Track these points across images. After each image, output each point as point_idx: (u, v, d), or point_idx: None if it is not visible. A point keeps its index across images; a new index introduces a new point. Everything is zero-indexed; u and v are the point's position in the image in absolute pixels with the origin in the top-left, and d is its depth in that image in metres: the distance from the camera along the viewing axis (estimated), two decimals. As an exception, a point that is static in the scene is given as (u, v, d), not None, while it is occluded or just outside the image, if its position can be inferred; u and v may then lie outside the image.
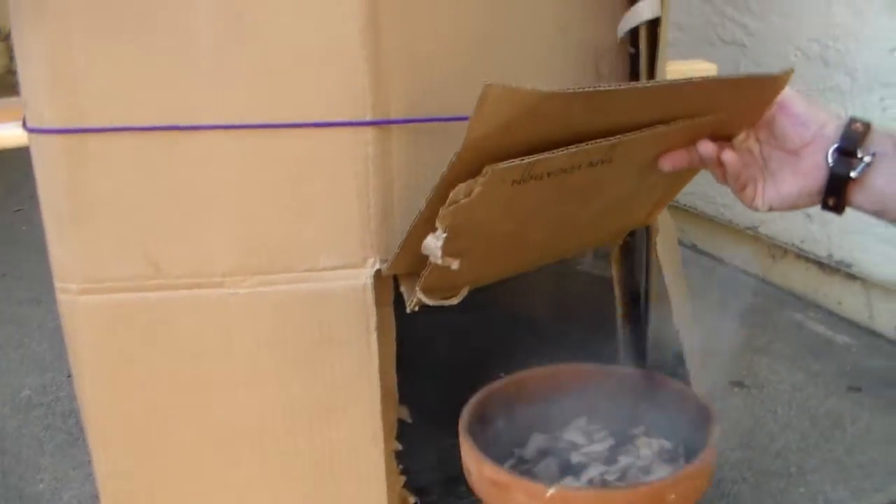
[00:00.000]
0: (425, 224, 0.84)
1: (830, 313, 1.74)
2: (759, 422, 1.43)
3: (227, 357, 1.01)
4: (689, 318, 1.31)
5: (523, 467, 1.04)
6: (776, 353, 1.62)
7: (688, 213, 2.05)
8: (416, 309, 0.95)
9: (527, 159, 0.78)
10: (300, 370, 1.02)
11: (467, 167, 0.78)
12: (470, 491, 1.01)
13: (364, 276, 0.98)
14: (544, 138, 0.79)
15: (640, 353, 1.27)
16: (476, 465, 0.91)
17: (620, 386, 1.08)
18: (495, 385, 1.06)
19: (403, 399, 1.09)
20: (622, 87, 0.91)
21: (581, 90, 0.76)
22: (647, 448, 1.02)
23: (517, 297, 1.47)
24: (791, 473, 1.30)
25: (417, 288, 0.92)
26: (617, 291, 1.27)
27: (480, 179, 0.77)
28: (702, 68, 1.35)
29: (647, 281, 1.26)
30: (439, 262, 0.83)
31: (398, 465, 1.09)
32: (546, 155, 0.78)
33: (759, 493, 1.26)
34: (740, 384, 1.51)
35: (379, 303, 0.99)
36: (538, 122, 0.77)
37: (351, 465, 1.07)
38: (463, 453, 0.94)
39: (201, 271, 0.98)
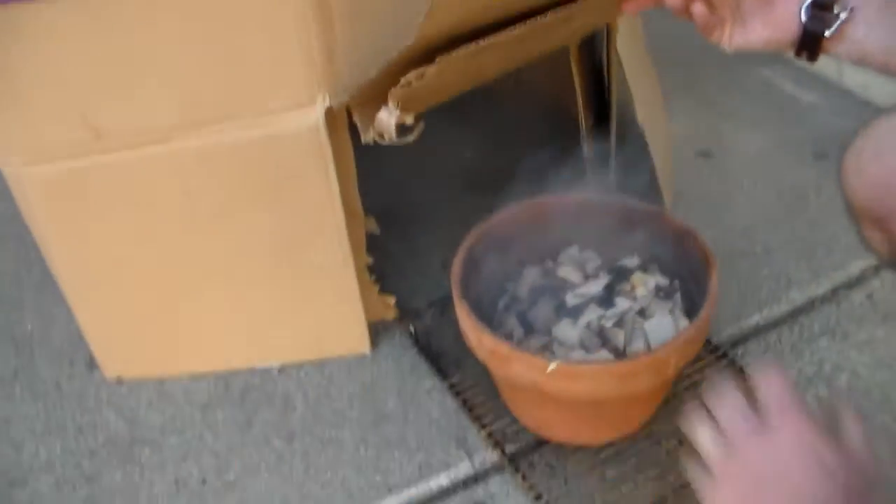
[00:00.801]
0: (381, 77, 0.87)
1: (799, 70, 1.69)
2: (726, 196, 1.43)
3: (187, 206, 1.01)
4: (660, 116, 1.27)
5: (518, 308, 1.03)
6: (743, 117, 1.60)
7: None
8: (372, 142, 0.94)
9: (478, 44, 0.84)
10: (262, 209, 1.02)
11: (416, 54, 0.83)
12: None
13: (315, 115, 0.95)
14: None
15: (604, 156, 1.24)
16: (474, 334, 0.91)
17: (612, 216, 1.05)
18: (484, 223, 1.03)
19: (373, 209, 1.11)
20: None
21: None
22: (643, 286, 1.01)
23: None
24: (756, 253, 1.33)
25: (371, 128, 0.91)
26: (578, 90, 1.21)
27: (432, 68, 0.83)
28: None
29: (608, 79, 1.21)
30: (393, 137, 0.88)
31: (371, 277, 1.13)
32: (492, 39, 0.85)
33: (727, 276, 1.28)
34: (706, 154, 1.50)
35: (333, 133, 0.97)
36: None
37: (324, 286, 1.10)
38: (460, 319, 0.93)
39: (145, 130, 0.95)
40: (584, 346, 0.96)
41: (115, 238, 1.04)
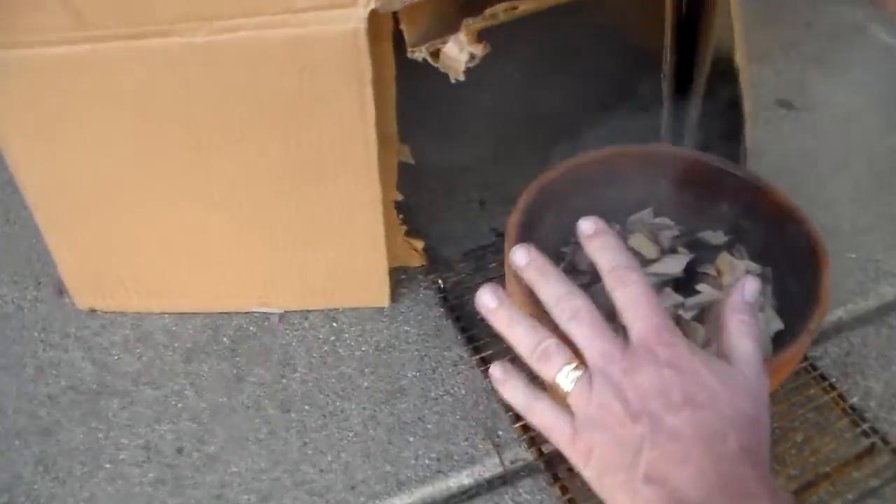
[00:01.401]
0: None
1: (893, 16, 1.48)
2: (808, 159, 1.24)
3: (187, 118, 0.83)
4: (746, 56, 1.07)
5: (578, 281, 0.84)
6: (831, 65, 1.39)
7: None
8: (420, 59, 0.80)
9: None
10: (279, 129, 0.84)
11: None
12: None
13: (355, 18, 0.76)
14: None
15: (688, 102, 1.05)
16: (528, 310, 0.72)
17: (695, 178, 0.87)
18: (543, 177, 0.84)
19: (407, 135, 0.93)
20: None
21: None
22: (730, 272, 0.83)
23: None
24: (842, 233, 1.15)
25: (424, 48, 0.78)
26: (668, 16, 1.01)
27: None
28: None
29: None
30: (461, 77, 0.75)
31: (399, 216, 0.97)
32: None
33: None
34: (788, 104, 1.30)
35: (374, 41, 0.79)
36: None
37: (343, 223, 0.92)
38: (511, 287, 0.75)
39: (139, 19, 0.76)
40: (655, 342, 0.78)
41: (96, 147, 0.85)
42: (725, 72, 1.00)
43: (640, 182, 0.89)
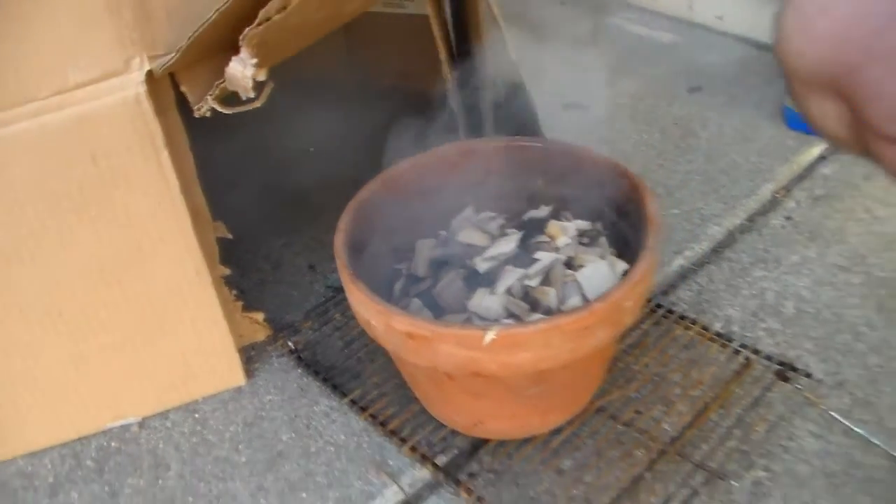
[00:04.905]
0: (213, 28, 0.71)
1: (645, 12, 1.59)
2: (609, 143, 1.30)
3: None
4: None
5: (418, 288, 0.85)
6: (606, 66, 1.47)
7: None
8: (207, 115, 0.77)
9: None
10: (84, 219, 0.81)
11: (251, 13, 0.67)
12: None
13: (133, 83, 0.76)
14: None
15: (472, 96, 1.08)
16: (381, 319, 0.72)
17: (503, 161, 0.88)
18: (356, 200, 0.84)
19: (220, 214, 0.92)
20: None
21: None
22: (563, 234, 0.84)
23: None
24: (659, 195, 1.19)
25: (209, 96, 0.75)
26: (435, 29, 1.05)
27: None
28: None
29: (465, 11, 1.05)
30: (250, 92, 0.73)
31: (232, 292, 0.94)
32: None
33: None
34: (577, 106, 1.36)
35: (160, 110, 0.78)
36: None
37: (178, 308, 0.89)
38: (357, 306, 0.74)
39: None
40: (511, 315, 0.78)
41: None
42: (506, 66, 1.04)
43: (452, 182, 0.90)
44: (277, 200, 1.21)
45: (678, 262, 1.07)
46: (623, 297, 0.70)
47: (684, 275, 1.06)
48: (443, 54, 1.06)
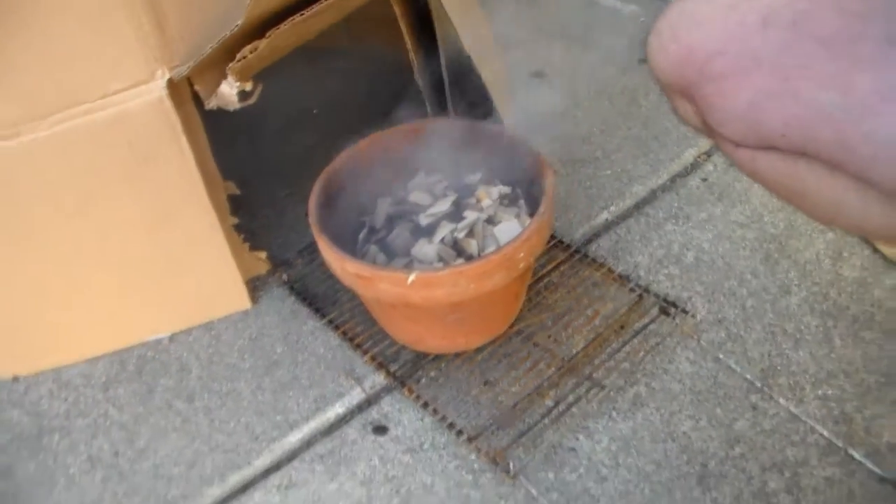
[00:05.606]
0: (218, 46, 0.96)
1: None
2: (563, 110, 1.53)
3: (49, 196, 1.06)
4: (489, 44, 1.35)
5: (376, 237, 1.11)
6: (571, 36, 1.70)
7: None
8: (215, 108, 1.03)
9: (303, 15, 0.97)
10: (124, 189, 1.08)
11: (248, 28, 0.93)
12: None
13: (157, 89, 1.02)
14: None
15: (436, 81, 1.32)
16: (338, 263, 0.98)
17: (452, 139, 1.13)
18: (332, 164, 1.10)
19: (234, 171, 1.17)
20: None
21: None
22: (488, 197, 1.10)
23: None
24: (597, 157, 1.44)
25: (213, 97, 1.02)
26: (404, 32, 1.29)
27: (264, 41, 0.94)
28: None
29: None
30: (237, 105, 1.00)
31: (241, 236, 1.20)
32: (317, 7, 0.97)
33: (572, 181, 1.40)
34: (540, 74, 1.59)
35: (179, 105, 1.03)
36: None
37: (198, 252, 1.16)
38: (322, 252, 1.00)
39: None
40: (442, 260, 1.04)
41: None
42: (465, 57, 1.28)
43: (411, 152, 1.16)
44: (284, 156, 1.48)
45: (603, 216, 1.32)
46: (514, 251, 0.96)
47: (608, 227, 1.31)
48: (409, 44, 1.30)
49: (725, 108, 0.45)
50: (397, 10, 1.23)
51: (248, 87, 0.99)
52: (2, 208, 1.06)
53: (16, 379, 1.20)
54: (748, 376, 1.06)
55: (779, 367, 1.06)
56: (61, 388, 1.18)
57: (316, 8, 0.96)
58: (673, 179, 1.38)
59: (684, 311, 1.13)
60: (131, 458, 1.08)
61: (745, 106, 0.43)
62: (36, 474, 1.08)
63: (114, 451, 1.09)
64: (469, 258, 1.04)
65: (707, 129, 0.48)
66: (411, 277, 0.93)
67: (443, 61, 1.28)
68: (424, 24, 1.29)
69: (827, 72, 0.40)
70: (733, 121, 0.45)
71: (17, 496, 1.06)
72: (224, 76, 1.02)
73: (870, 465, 0.95)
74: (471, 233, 1.06)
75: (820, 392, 1.03)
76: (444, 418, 1.04)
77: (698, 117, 0.48)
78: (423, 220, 1.09)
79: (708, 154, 1.41)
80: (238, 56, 0.94)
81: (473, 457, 1.01)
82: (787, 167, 0.45)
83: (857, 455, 0.97)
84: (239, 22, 0.90)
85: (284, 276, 1.26)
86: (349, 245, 1.08)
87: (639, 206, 1.34)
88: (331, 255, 0.98)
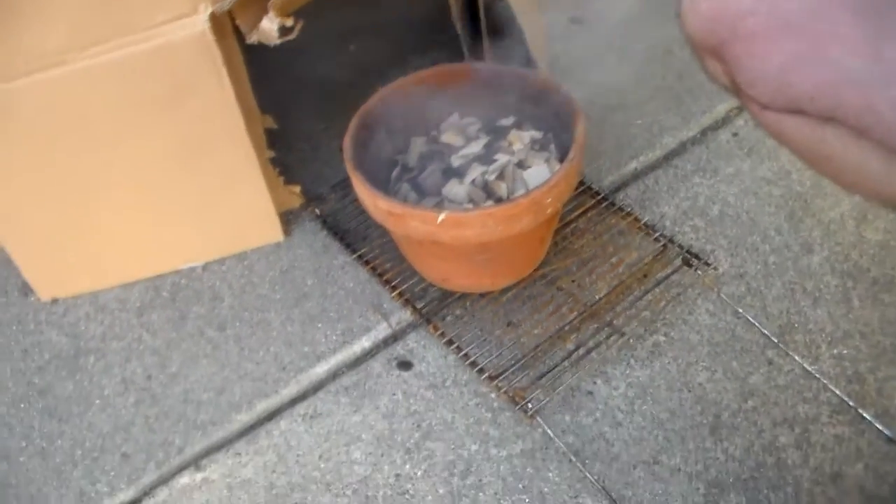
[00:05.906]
0: None
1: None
2: (598, 58, 1.53)
3: (90, 125, 1.08)
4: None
5: (409, 176, 1.13)
6: (610, -18, 1.69)
7: None
8: (256, 43, 1.05)
9: None
10: (163, 119, 1.10)
11: None
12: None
13: (200, 22, 1.03)
14: None
15: (473, 25, 1.33)
16: (370, 199, 1.00)
17: (487, 82, 1.14)
18: (368, 103, 1.11)
19: (273, 105, 1.20)
20: None
21: None
22: (519, 141, 1.11)
23: None
24: (629, 106, 1.44)
25: (254, 32, 1.03)
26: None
27: None
28: None
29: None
30: (277, 41, 1.00)
31: (276, 169, 1.22)
32: None
33: (604, 129, 1.41)
34: (578, 21, 1.59)
35: (220, 39, 1.05)
36: None
37: (233, 184, 1.18)
38: (356, 189, 1.03)
39: (35, 56, 1.01)
40: (472, 201, 1.06)
41: (25, 165, 1.10)
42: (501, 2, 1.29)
43: (446, 93, 1.17)
44: (322, 92, 1.49)
45: (632, 166, 1.33)
46: (542, 196, 0.98)
47: (637, 176, 1.32)
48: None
49: (756, 69, 0.45)
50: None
51: (289, 22, 1.01)
52: (43, 135, 1.08)
53: (55, 301, 1.24)
54: (766, 331, 1.08)
55: (796, 325, 1.08)
56: (98, 311, 1.22)
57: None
58: (703, 132, 1.39)
59: (706, 264, 1.15)
60: (163, 382, 1.12)
61: (777, 68, 0.43)
62: (73, 392, 1.13)
63: (146, 374, 1.13)
64: (498, 200, 1.06)
65: (735, 89, 0.48)
66: (441, 217, 0.95)
67: (481, 4, 1.29)
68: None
69: (856, 38, 0.41)
70: (763, 82, 0.45)
71: (54, 414, 1.10)
72: (265, 11, 1.03)
73: (879, 425, 0.98)
74: (501, 175, 1.08)
75: (835, 351, 1.05)
76: (466, 356, 1.07)
77: (727, 77, 0.48)
78: (455, 161, 1.11)
79: (740, 109, 1.42)
80: None
81: (493, 395, 1.04)
82: (812, 131, 0.45)
83: (867, 415, 0.99)
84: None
85: (317, 211, 1.28)
86: (382, 182, 1.10)
87: (668, 158, 1.35)
88: (364, 191, 1.00)
